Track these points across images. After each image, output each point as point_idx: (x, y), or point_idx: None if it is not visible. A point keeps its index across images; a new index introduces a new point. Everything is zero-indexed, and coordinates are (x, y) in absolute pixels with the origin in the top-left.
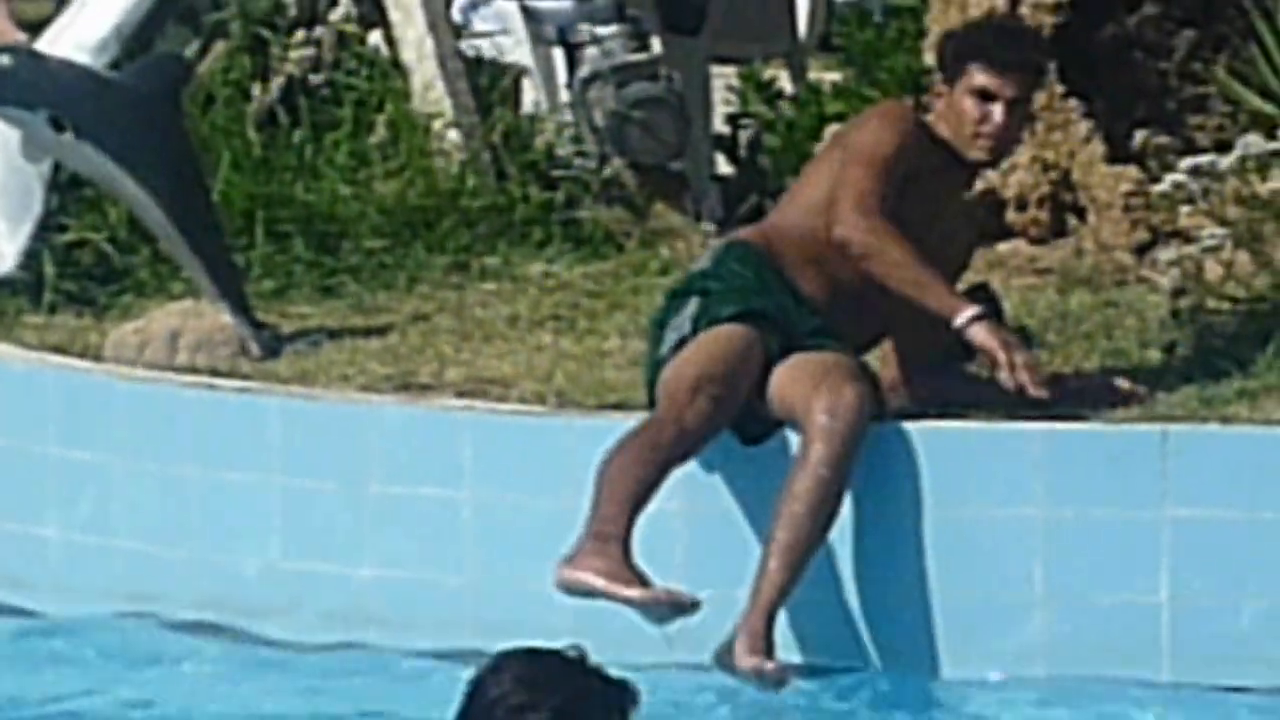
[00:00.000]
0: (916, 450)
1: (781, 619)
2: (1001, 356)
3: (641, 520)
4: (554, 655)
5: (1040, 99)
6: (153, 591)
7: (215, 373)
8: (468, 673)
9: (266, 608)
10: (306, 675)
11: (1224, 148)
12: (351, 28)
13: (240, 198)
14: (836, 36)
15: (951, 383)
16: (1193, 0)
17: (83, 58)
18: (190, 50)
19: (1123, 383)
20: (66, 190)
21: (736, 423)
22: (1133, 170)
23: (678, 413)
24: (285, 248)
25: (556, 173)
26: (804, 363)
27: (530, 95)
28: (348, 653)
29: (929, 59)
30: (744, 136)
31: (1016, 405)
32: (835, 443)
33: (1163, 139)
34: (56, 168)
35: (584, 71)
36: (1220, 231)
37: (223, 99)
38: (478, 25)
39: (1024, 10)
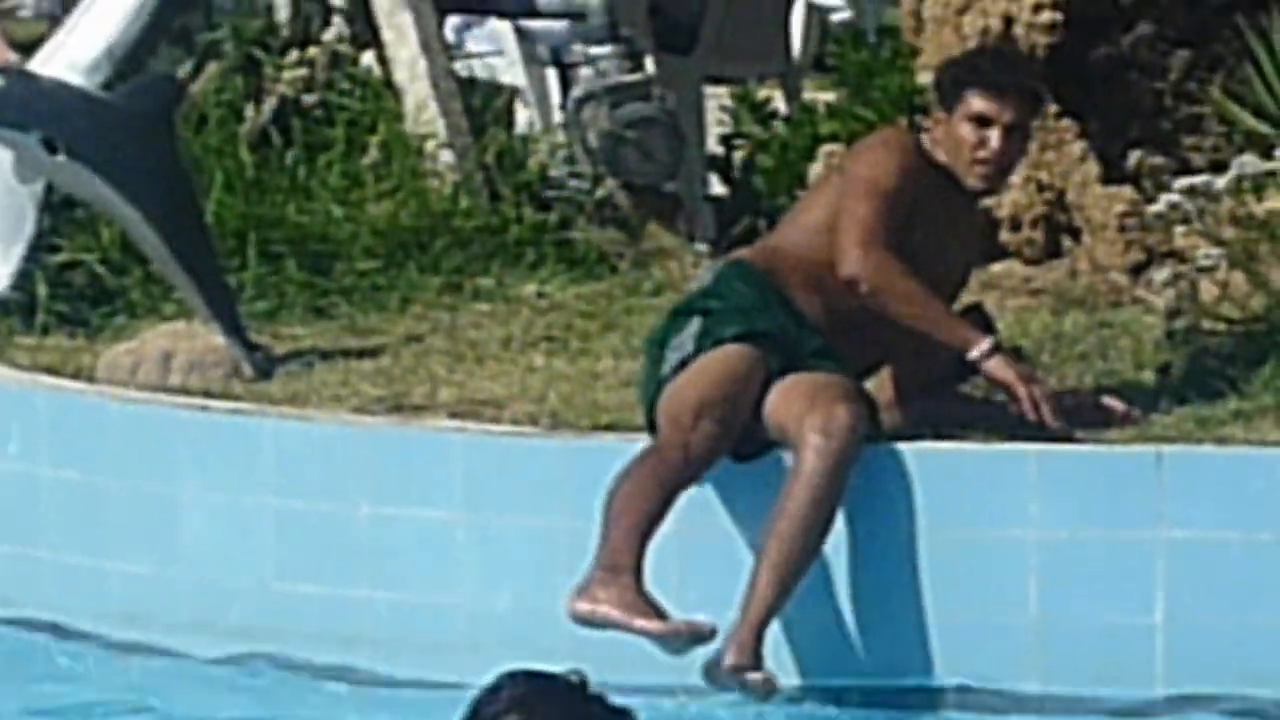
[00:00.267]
0: (911, 471)
1: (775, 637)
2: (1021, 391)
3: None
4: (556, 679)
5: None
6: (146, 612)
7: (208, 394)
8: (461, 695)
9: (259, 629)
10: (298, 696)
11: (1219, 168)
12: (344, 48)
13: (233, 218)
14: (830, 57)
15: (946, 404)
16: (1187, 20)
17: (76, 78)
18: (183, 71)
19: (1117, 404)
20: (59, 211)
21: None
22: (1127, 191)
23: (682, 438)
24: (278, 268)
25: (550, 193)
26: (798, 382)
27: (524, 116)
28: (340, 674)
29: (922, 79)
30: (737, 157)
31: (1011, 426)
32: (828, 461)
33: (1158, 159)
34: (49, 188)
35: (577, 92)
36: (1215, 252)
37: (215, 119)
38: (471, 46)
39: (1018, 31)
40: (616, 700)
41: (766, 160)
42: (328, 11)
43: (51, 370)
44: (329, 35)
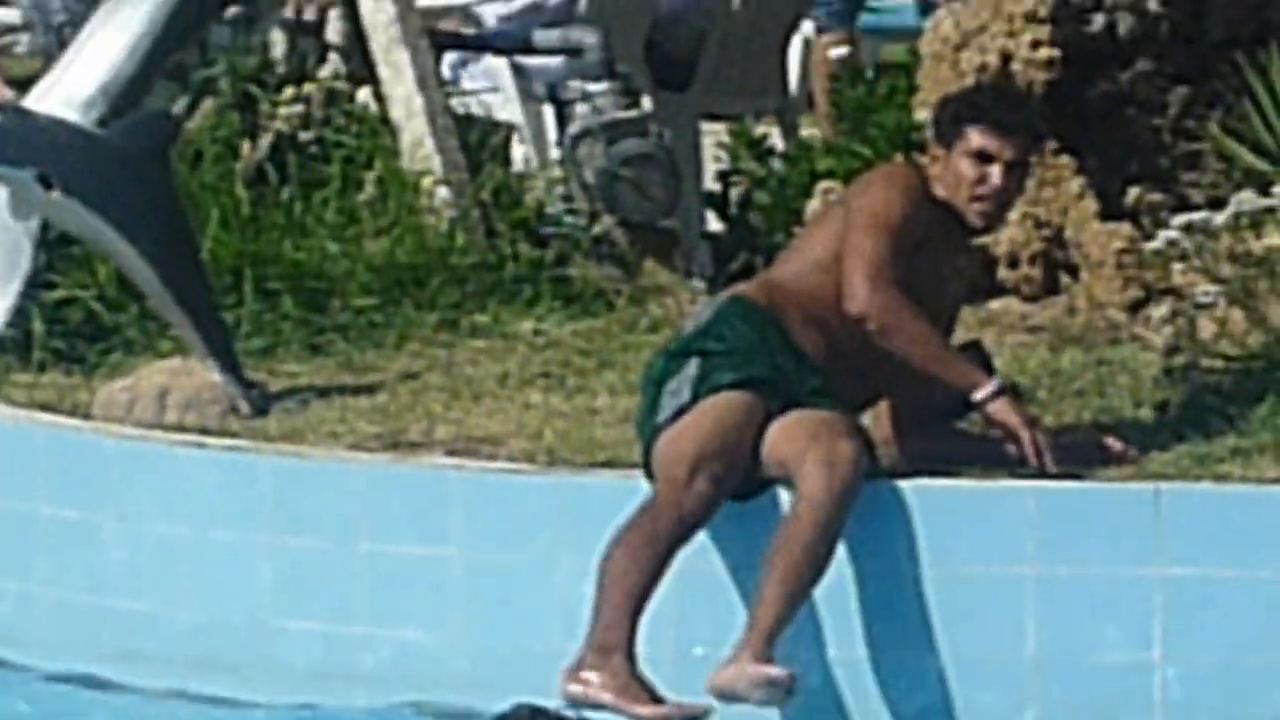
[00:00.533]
0: (910, 508)
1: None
2: (1024, 435)
3: None
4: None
5: None
6: (142, 649)
7: (204, 431)
8: None
9: (255, 665)
10: None
11: (1218, 204)
12: (341, 85)
13: (229, 255)
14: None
15: (943, 441)
16: (1186, 57)
17: (71, 115)
18: (179, 107)
19: (1115, 441)
20: (55, 248)
21: None
22: (1126, 227)
23: (676, 496)
24: (274, 305)
25: (546, 230)
26: (799, 419)
27: (520, 152)
28: (338, 710)
29: (920, 115)
30: (735, 193)
31: (1009, 464)
32: (832, 492)
33: (1156, 196)
34: (45, 225)
35: (574, 128)
36: (1214, 289)
37: (211, 156)
38: (467, 82)
39: (1016, 67)
40: None
41: (763, 197)
42: (324, 48)
43: (48, 407)
44: (325, 72)
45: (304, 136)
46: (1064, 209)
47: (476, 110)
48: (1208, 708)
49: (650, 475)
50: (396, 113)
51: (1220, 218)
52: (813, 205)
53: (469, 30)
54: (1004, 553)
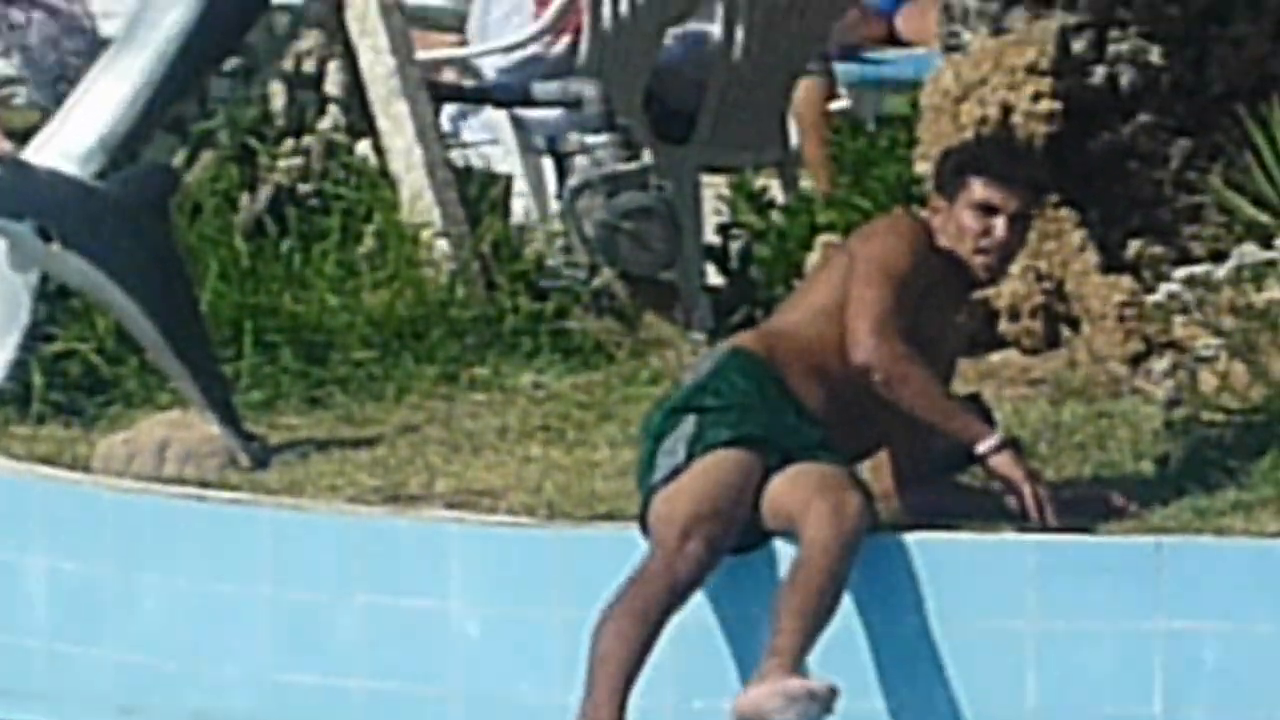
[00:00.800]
0: (911, 561)
1: None
2: (1027, 490)
3: None
4: None
5: None
6: (141, 703)
7: (204, 484)
8: None
9: (255, 718)
10: None
11: (1219, 257)
12: (340, 137)
13: (228, 308)
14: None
15: (943, 494)
16: (1187, 109)
17: (69, 167)
18: (178, 160)
19: (1116, 495)
20: (54, 300)
21: None
22: (1127, 280)
23: (668, 562)
24: (273, 358)
25: (546, 283)
26: (803, 471)
27: (520, 205)
28: None
29: (920, 168)
30: (735, 246)
31: (1008, 516)
32: (840, 541)
33: (1157, 249)
34: (44, 278)
35: (574, 181)
36: (1215, 342)
37: (210, 208)
38: (466, 135)
39: (1017, 120)
40: None
41: (764, 250)
42: (323, 100)
43: (47, 460)
44: (324, 124)
45: (303, 189)
46: (1065, 262)
47: (476, 163)
48: None
49: (646, 532)
50: (396, 165)
51: (1222, 271)
52: (813, 258)
53: (468, 82)
54: (1004, 606)
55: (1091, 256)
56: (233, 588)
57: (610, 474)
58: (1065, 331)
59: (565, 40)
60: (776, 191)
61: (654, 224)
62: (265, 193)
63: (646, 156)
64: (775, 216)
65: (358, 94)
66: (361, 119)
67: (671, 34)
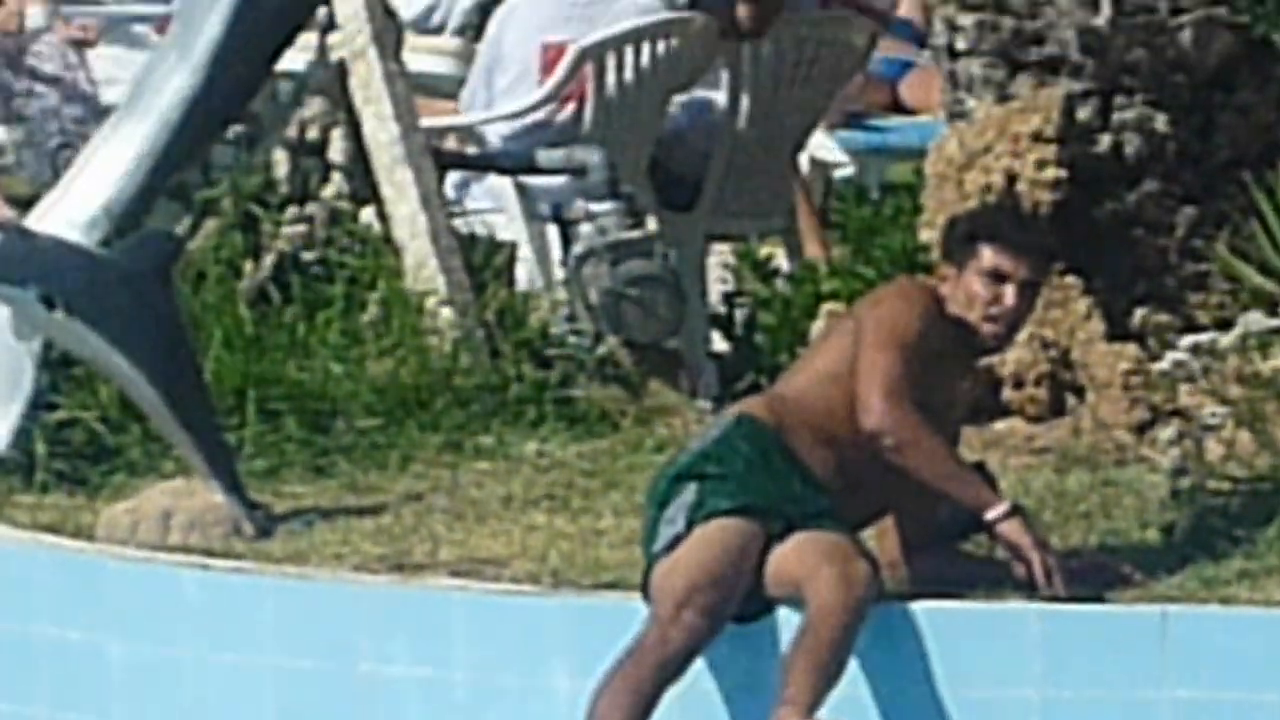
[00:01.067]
0: (918, 629)
1: None
2: (1035, 557)
3: None
4: None
5: None
6: None
7: (208, 552)
8: None
9: None
10: None
11: (1225, 326)
12: (344, 205)
13: (232, 376)
14: (832, 213)
15: (948, 562)
16: (1193, 177)
17: (73, 234)
18: (181, 227)
19: (1122, 564)
20: (57, 368)
21: None
22: (1132, 348)
23: (662, 633)
24: (277, 426)
25: (551, 351)
26: (810, 539)
27: (524, 273)
28: None
29: (925, 236)
30: (740, 314)
31: (1014, 584)
32: (848, 608)
33: (1163, 317)
34: (47, 346)
35: (578, 249)
36: (1221, 410)
37: (214, 276)
38: (471, 202)
39: (1022, 188)
40: None
41: (769, 317)
42: (327, 168)
43: (51, 529)
44: (328, 191)
45: (307, 256)
46: (1070, 329)
47: (480, 230)
48: None
49: (649, 601)
50: (400, 232)
51: (1227, 339)
52: (817, 326)
53: (472, 149)
54: (1011, 674)
55: (1097, 324)
56: (237, 656)
57: (615, 542)
58: (1070, 399)
59: (570, 107)
60: (781, 259)
61: (659, 292)
62: (269, 260)
63: (651, 224)
64: (780, 284)
65: (362, 161)
66: (365, 186)
67: (676, 101)
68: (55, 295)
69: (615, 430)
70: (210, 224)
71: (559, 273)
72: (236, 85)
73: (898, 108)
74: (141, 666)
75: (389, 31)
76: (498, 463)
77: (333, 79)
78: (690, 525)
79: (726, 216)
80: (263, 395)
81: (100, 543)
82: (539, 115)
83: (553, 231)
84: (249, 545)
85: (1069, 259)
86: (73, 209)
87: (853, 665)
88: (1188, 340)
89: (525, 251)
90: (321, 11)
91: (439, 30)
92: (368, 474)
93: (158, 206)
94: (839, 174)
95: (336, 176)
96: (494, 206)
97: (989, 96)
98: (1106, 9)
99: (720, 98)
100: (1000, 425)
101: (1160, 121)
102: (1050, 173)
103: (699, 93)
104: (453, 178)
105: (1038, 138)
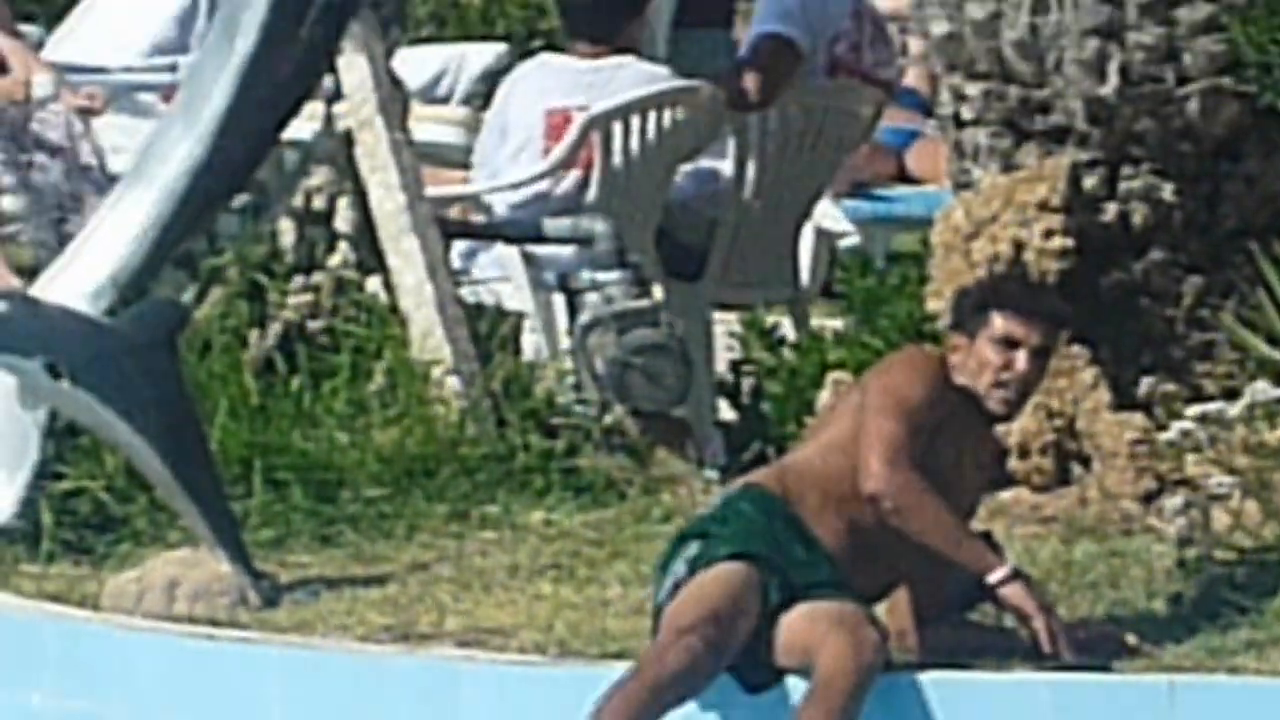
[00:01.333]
0: (927, 700)
1: None
2: (1039, 621)
3: None
4: None
5: None
6: None
7: (214, 622)
8: None
9: None
10: None
11: (1232, 395)
12: (350, 274)
13: (237, 445)
14: (838, 283)
15: (957, 631)
16: (1200, 246)
17: (79, 304)
18: (187, 296)
19: (1129, 634)
20: (63, 438)
21: (738, 668)
22: (1139, 418)
23: (659, 653)
24: (283, 496)
25: (557, 420)
26: (820, 608)
27: (530, 342)
28: None
29: (932, 306)
30: (746, 383)
31: (1023, 655)
32: (856, 674)
33: (1170, 386)
34: (53, 415)
35: (585, 318)
36: (1228, 480)
37: (220, 345)
38: (477, 271)
39: (1029, 256)
40: None
41: (775, 386)
42: (333, 237)
43: (57, 599)
44: (334, 261)
45: (313, 326)
46: (1076, 399)
47: (487, 299)
48: None
49: None
50: (406, 302)
51: (1234, 409)
52: (824, 395)
53: (478, 218)
54: None
55: (1103, 394)
56: None
57: (622, 612)
58: (1076, 469)
59: (575, 176)
60: (788, 328)
61: (665, 361)
62: (275, 329)
63: (658, 293)
64: (786, 353)
65: (368, 230)
66: (372, 255)
67: (682, 171)
68: (61, 364)
69: (621, 499)
70: (216, 293)
71: (565, 342)
72: (242, 154)
73: (904, 177)
74: None
75: (395, 101)
76: (504, 532)
77: (339, 148)
78: (692, 573)
79: (733, 286)
80: (268, 464)
81: (106, 612)
82: (545, 184)
83: (559, 300)
84: (255, 615)
85: (1075, 328)
86: (78, 278)
87: None
88: (1194, 410)
89: (532, 321)
90: (328, 81)
91: (446, 99)
92: (374, 543)
93: (164, 275)
94: (844, 243)
95: (343, 246)
96: (500, 275)
97: (995, 166)
98: (1113, 78)
99: (727, 167)
100: (1006, 495)
101: (1167, 191)
102: (1057, 242)
103: (705, 162)
104: (459, 247)
105: (1044, 207)
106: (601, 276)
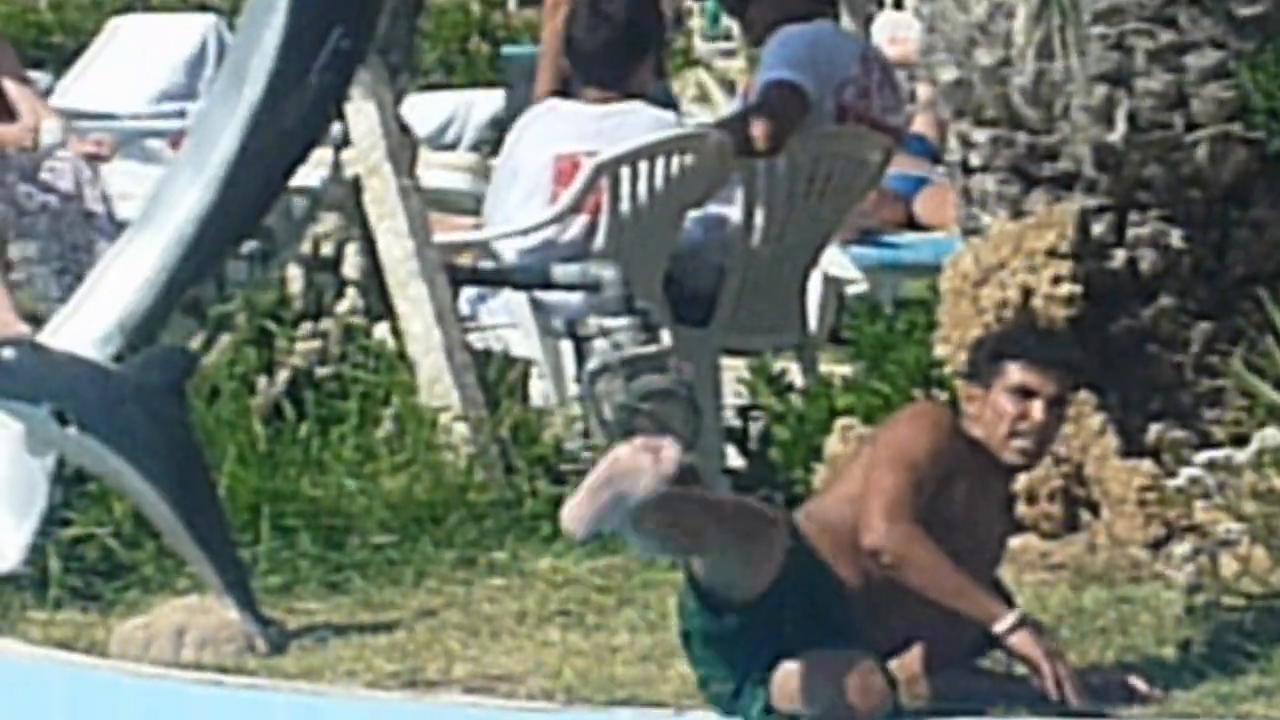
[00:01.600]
0: None
1: None
2: (1046, 668)
3: None
4: None
5: None
6: None
7: (221, 669)
8: None
9: None
10: None
11: (1241, 441)
12: (358, 320)
13: (245, 492)
14: (846, 329)
15: (967, 679)
16: (1208, 293)
17: (87, 350)
18: (195, 343)
19: (1138, 681)
20: (71, 484)
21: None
22: (1147, 464)
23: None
24: (291, 543)
25: (565, 467)
26: (828, 656)
27: (539, 388)
28: None
29: (940, 352)
30: (754, 429)
31: (1034, 702)
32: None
33: (1178, 433)
34: (61, 462)
35: (593, 364)
36: (1237, 527)
37: (228, 392)
38: (485, 318)
39: (1037, 303)
40: None
41: (783, 432)
42: (341, 283)
43: (64, 645)
44: (342, 307)
45: (321, 372)
46: (1084, 445)
47: (495, 346)
48: None
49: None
50: (414, 348)
51: (1243, 455)
52: (832, 441)
53: (487, 265)
54: None
55: (1111, 440)
56: None
57: (630, 659)
58: (1085, 516)
59: (584, 222)
60: (796, 374)
61: (673, 407)
62: (283, 376)
63: (666, 339)
64: (794, 399)
65: (376, 277)
66: (380, 302)
67: (691, 217)
68: (69, 411)
69: (629, 546)
70: (224, 339)
71: (573, 388)
72: (251, 201)
73: (912, 224)
74: None
75: (403, 147)
76: (512, 579)
77: (347, 195)
78: None
79: (741, 332)
80: (277, 511)
81: (113, 659)
82: (553, 230)
83: (567, 347)
84: (262, 662)
85: (1084, 375)
86: (86, 324)
87: None
88: (1203, 456)
89: (540, 367)
90: (336, 127)
91: (454, 146)
92: (381, 590)
93: (172, 322)
94: (852, 290)
95: (351, 292)
96: (508, 322)
97: (1003, 212)
98: (1121, 125)
99: (735, 213)
100: (1014, 542)
101: (1175, 237)
102: (1065, 288)
103: (713, 208)
104: (467, 293)
105: (1052, 253)
106: (610, 322)
